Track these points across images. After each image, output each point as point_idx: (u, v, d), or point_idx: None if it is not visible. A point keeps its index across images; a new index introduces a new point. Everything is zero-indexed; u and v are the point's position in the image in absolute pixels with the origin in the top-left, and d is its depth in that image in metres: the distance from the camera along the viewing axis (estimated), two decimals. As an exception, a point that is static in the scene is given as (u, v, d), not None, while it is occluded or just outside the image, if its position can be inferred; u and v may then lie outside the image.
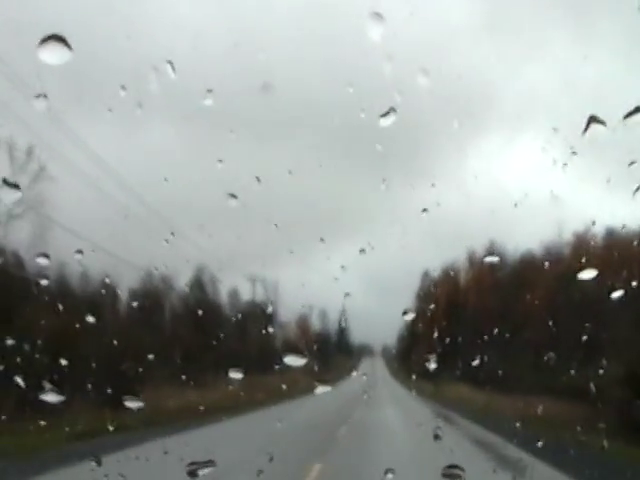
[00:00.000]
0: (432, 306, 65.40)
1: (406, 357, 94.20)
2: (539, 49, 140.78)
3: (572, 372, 33.68)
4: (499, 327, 51.97)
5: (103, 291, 49.79)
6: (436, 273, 70.38)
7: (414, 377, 67.19)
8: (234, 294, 60.63)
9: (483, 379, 39.16)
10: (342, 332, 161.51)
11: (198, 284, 55.93)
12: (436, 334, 64.45)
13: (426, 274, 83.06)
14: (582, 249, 54.77)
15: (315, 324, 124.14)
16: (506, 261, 58.48)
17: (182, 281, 57.42)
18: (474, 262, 59.45)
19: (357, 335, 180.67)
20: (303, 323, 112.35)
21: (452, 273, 63.54)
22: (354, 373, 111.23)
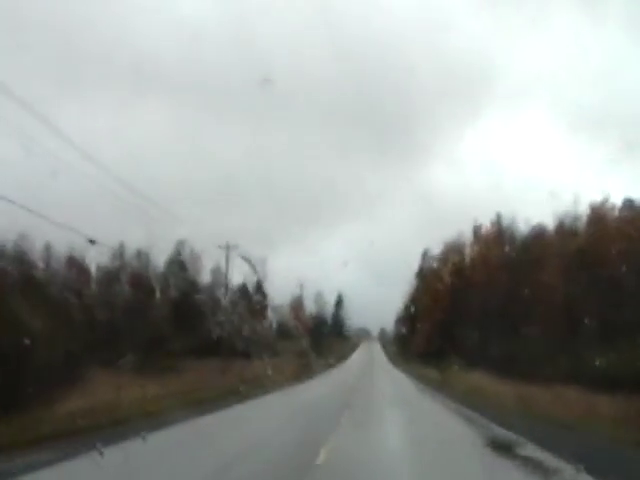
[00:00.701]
0: (434, 285, 60.94)
1: (405, 341, 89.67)
2: (542, 21, 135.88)
3: (602, 358, 29.15)
4: (510, 306, 47.60)
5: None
6: (438, 250, 65.73)
7: (415, 363, 62.34)
8: (217, 272, 55.73)
9: (499, 365, 34.29)
10: (338, 315, 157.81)
11: (177, 262, 51.04)
12: (439, 315, 60.09)
13: (426, 253, 78.65)
14: (600, 222, 50.47)
15: (311, 307, 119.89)
16: (515, 235, 53.98)
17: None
18: (480, 236, 54.76)
19: (354, 318, 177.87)
20: (297, 306, 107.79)
21: (456, 249, 58.78)
22: (349, 359, 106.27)
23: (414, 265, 79.36)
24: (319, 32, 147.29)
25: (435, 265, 65.74)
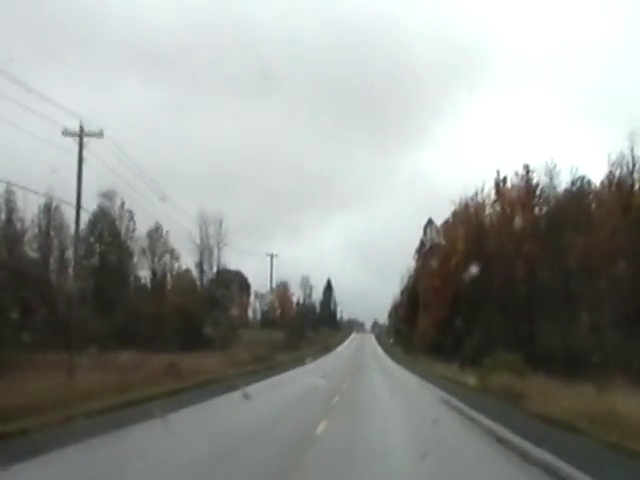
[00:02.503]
0: (444, 259, 47.71)
1: (405, 330, 75.61)
2: (542, 3, 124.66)
3: None
4: (550, 282, 34.74)
5: None
6: (448, 216, 52.47)
7: (422, 358, 48.52)
8: (155, 235, 42.39)
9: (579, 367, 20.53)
10: (327, 303, 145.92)
11: (102, 216, 37.65)
12: (450, 296, 46.05)
13: (430, 223, 65.60)
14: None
15: (299, 294, 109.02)
16: (549, 192, 41.03)
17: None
18: (503, 194, 41.59)
19: (347, 310, 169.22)
20: (282, 292, 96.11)
21: (471, 211, 45.51)
22: (338, 348, 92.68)
23: (410, 253, 70.20)
24: (315, 16, 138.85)
25: (443, 234, 52.69)
